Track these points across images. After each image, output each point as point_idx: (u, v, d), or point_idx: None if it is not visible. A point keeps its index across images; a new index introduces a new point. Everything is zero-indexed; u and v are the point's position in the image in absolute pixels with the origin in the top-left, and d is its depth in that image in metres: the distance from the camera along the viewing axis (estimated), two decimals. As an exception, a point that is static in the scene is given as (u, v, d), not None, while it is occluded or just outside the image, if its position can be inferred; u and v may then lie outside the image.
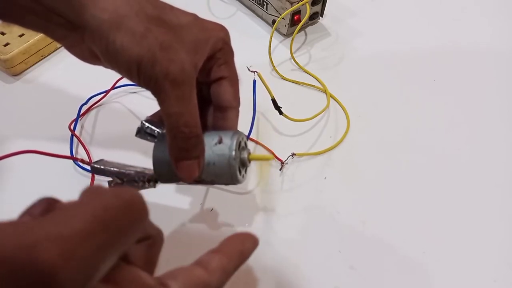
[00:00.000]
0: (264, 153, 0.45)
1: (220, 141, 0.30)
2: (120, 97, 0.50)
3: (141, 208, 0.20)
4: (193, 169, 0.29)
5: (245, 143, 0.32)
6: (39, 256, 0.15)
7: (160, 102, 0.28)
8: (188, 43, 0.28)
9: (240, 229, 0.40)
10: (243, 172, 0.32)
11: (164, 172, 0.31)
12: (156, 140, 0.32)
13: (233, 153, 0.29)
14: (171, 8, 0.29)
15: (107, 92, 0.49)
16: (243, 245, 0.25)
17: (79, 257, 0.16)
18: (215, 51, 0.30)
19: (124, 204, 0.19)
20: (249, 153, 0.32)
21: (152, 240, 0.23)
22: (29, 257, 0.15)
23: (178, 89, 0.27)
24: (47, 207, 0.21)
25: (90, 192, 0.20)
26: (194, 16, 0.30)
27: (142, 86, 0.28)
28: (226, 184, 0.32)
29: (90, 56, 0.30)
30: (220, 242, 0.25)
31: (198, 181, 0.31)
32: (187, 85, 0.27)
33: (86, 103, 0.48)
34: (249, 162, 0.32)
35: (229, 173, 0.30)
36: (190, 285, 0.21)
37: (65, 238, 0.16)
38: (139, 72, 0.27)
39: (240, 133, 0.31)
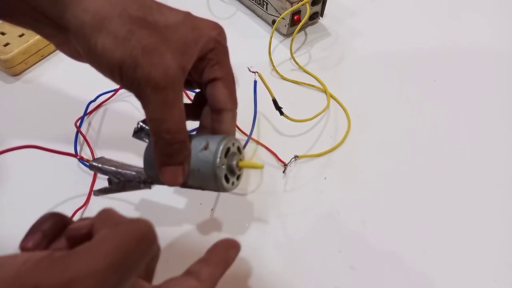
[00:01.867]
0: (267, 154, 0.45)
1: (206, 147, 0.28)
2: (129, 96, 0.50)
3: (154, 236, 0.22)
4: (177, 175, 0.29)
5: (238, 148, 0.30)
6: None
7: (143, 107, 0.27)
8: (174, 44, 0.27)
9: (240, 229, 0.40)
10: (232, 179, 0.30)
11: (153, 175, 0.30)
12: (148, 142, 0.32)
13: (217, 160, 0.28)
14: (159, 7, 0.28)
15: (116, 90, 0.49)
16: (228, 254, 0.28)
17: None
18: (206, 51, 0.29)
19: (140, 235, 0.21)
20: (239, 160, 0.30)
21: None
22: None
23: (160, 94, 0.26)
24: (57, 225, 0.24)
25: (107, 220, 0.22)
26: (185, 14, 0.29)
27: (125, 89, 0.28)
28: (215, 191, 0.30)
29: (78, 55, 0.29)
30: (207, 251, 0.28)
31: (186, 186, 0.30)
32: (171, 90, 0.27)
33: (94, 100, 0.48)
34: (239, 169, 0.30)
35: (214, 180, 0.28)
36: None
37: (96, 273, 0.18)
38: (121, 76, 0.26)
39: (229, 138, 0.29)
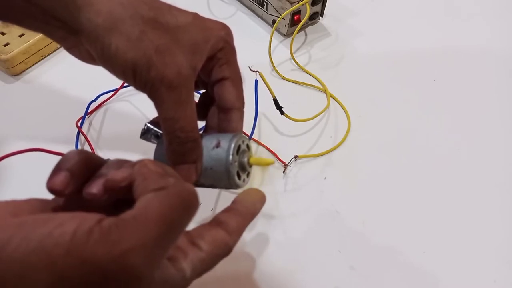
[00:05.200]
0: (267, 154, 0.45)
1: (217, 145, 0.29)
2: (129, 96, 0.50)
3: (196, 202, 0.23)
4: (190, 174, 0.29)
5: (247, 146, 0.31)
6: (128, 264, 0.18)
7: (156, 107, 0.27)
8: (185, 44, 0.28)
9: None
10: (243, 176, 0.30)
11: None
12: (157, 142, 0.32)
13: (230, 157, 0.28)
14: (169, 8, 0.28)
15: (116, 90, 0.49)
16: (254, 206, 0.28)
17: (157, 259, 0.20)
18: (216, 51, 0.30)
19: (185, 204, 0.22)
20: (249, 157, 0.30)
21: None
22: (121, 265, 0.18)
23: (174, 93, 0.27)
24: (84, 163, 0.24)
25: (148, 180, 0.23)
26: (194, 15, 0.29)
27: (138, 89, 0.28)
28: (227, 188, 0.31)
29: (89, 57, 0.29)
30: (234, 201, 0.28)
31: (198, 185, 0.30)
32: (184, 89, 0.27)
33: (95, 100, 0.48)
34: (250, 166, 0.31)
35: (227, 178, 0.29)
36: (215, 245, 0.25)
37: (146, 246, 0.19)
38: (135, 76, 0.27)
39: (240, 136, 0.30)
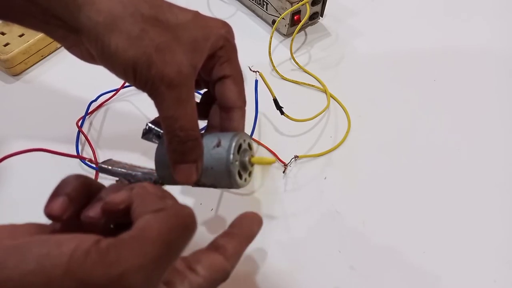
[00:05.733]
0: (267, 154, 0.45)
1: (218, 144, 0.28)
2: (130, 96, 0.50)
3: (194, 224, 0.22)
4: (191, 173, 0.29)
5: (249, 144, 0.31)
6: (126, 286, 0.18)
7: (157, 105, 0.27)
8: (186, 43, 0.27)
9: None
10: (245, 175, 0.30)
11: (166, 175, 0.31)
12: (158, 142, 0.32)
13: (231, 157, 0.28)
14: (170, 6, 0.28)
15: (117, 90, 0.49)
16: (252, 230, 0.28)
17: (155, 280, 0.20)
18: (216, 49, 0.30)
19: (184, 224, 0.22)
20: (251, 156, 0.30)
21: None
22: (118, 287, 0.18)
23: (174, 92, 0.26)
24: (83, 187, 0.25)
25: (146, 201, 0.23)
26: (194, 13, 0.29)
27: (138, 88, 0.28)
28: (228, 188, 0.30)
29: (89, 56, 0.30)
30: (231, 225, 0.28)
31: (199, 184, 0.30)
32: (184, 87, 0.27)
33: (95, 100, 0.48)
34: (252, 165, 0.30)
35: (228, 177, 0.28)
36: (213, 271, 0.24)
37: (144, 267, 0.19)
38: (135, 75, 0.26)
39: (241, 135, 0.29)
